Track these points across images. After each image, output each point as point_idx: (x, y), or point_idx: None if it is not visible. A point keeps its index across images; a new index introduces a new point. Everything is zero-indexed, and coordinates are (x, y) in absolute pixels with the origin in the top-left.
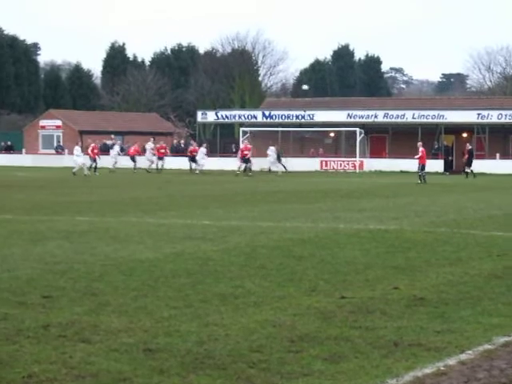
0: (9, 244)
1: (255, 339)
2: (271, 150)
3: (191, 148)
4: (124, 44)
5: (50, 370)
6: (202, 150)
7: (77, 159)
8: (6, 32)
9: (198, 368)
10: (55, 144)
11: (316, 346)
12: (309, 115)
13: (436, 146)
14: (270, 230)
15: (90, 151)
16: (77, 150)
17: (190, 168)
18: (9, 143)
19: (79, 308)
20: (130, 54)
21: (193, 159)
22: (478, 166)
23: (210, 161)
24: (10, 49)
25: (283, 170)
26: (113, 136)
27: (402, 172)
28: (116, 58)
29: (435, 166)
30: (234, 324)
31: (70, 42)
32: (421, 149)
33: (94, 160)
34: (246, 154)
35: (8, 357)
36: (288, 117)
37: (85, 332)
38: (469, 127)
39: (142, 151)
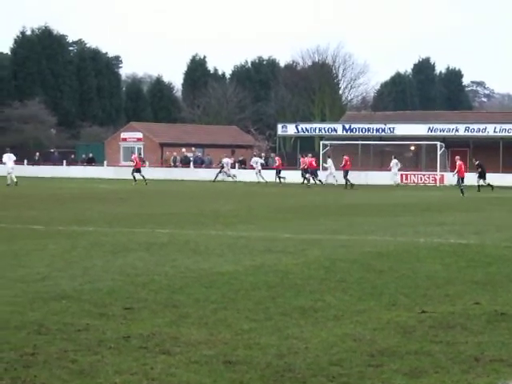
0: (90, 256)
1: (335, 353)
2: (254, 161)
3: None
4: (205, 57)
5: (131, 380)
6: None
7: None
8: (88, 45)
9: (278, 381)
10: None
11: (396, 361)
12: (389, 128)
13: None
14: (349, 243)
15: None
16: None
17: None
18: (90, 155)
19: (160, 320)
20: (210, 66)
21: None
22: None
23: (289, 173)
24: (92, 62)
25: (262, 180)
26: (193, 148)
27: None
28: (197, 70)
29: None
30: (313, 337)
31: (151, 55)
32: (458, 163)
33: (138, 170)
34: (314, 167)
35: (90, 367)
36: (368, 130)
37: (165, 344)
38: None
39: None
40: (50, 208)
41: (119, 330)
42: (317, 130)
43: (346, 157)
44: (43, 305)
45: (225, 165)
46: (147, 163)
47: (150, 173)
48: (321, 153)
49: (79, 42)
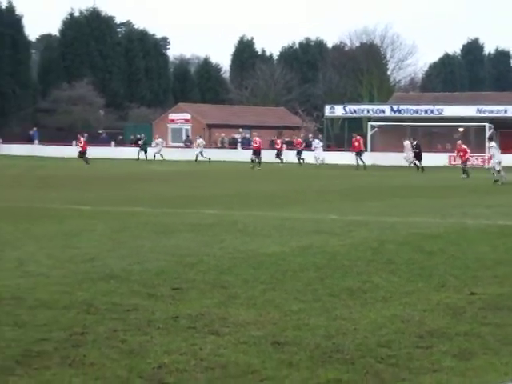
0: (139, 236)
1: (384, 334)
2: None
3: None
4: (252, 38)
5: (179, 360)
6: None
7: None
8: (136, 26)
9: (327, 362)
10: (184, 137)
11: (445, 342)
12: (437, 110)
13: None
14: (397, 224)
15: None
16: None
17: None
18: (138, 136)
19: (208, 300)
20: (258, 48)
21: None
22: None
23: (337, 155)
24: (140, 43)
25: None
26: (240, 130)
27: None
28: (244, 52)
29: None
30: (362, 318)
31: (198, 36)
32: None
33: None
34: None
35: (139, 347)
36: (416, 111)
37: (214, 324)
38: None
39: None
40: (99, 189)
41: (168, 311)
42: (365, 112)
43: (357, 137)
44: (92, 285)
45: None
46: (194, 144)
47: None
48: (368, 134)
49: (127, 24)
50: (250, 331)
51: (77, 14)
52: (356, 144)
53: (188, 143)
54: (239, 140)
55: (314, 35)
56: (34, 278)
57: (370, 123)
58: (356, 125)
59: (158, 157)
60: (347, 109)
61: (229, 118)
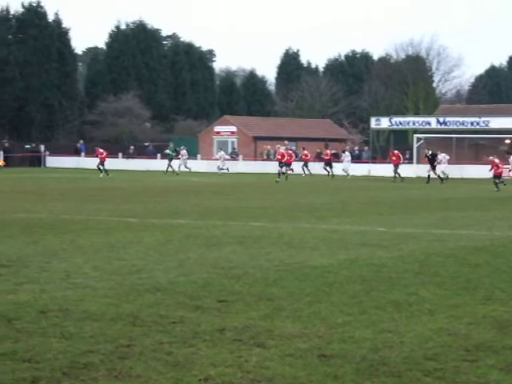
0: (184, 249)
1: (430, 347)
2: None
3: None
4: (298, 50)
5: (225, 373)
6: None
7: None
8: (182, 39)
9: (373, 375)
10: (230, 150)
11: (492, 356)
12: (484, 122)
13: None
14: (444, 237)
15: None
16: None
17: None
18: (177, 148)
19: (254, 312)
20: (303, 60)
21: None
22: None
23: (381, 167)
24: (186, 55)
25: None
26: (286, 142)
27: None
28: (290, 64)
29: None
30: (408, 331)
31: (244, 49)
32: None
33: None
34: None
35: (185, 359)
36: (462, 123)
37: (260, 336)
38: None
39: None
40: (145, 201)
41: (214, 323)
42: (410, 124)
43: (394, 151)
44: (138, 297)
45: (219, 157)
46: (240, 156)
47: (244, 166)
48: (414, 146)
49: (173, 36)
50: (296, 344)
51: (123, 26)
52: (393, 158)
53: (234, 155)
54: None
55: (360, 47)
56: (81, 289)
57: (415, 135)
58: (402, 137)
59: (182, 168)
60: (393, 121)
61: (274, 130)
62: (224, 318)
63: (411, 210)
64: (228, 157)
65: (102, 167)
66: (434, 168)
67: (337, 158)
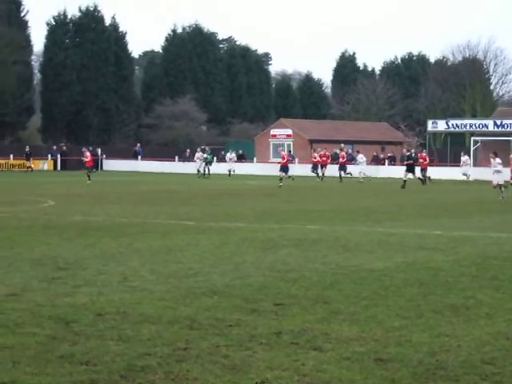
0: (241, 252)
1: (488, 351)
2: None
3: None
4: (354, 53)
5: (282, 376)
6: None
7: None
8: (238, 43)
9: (430, 379)
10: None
11: None
12: None
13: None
14: (501, 240)
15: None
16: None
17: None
18: (240, 152)
19: (311, 316)
20: (360, 63)
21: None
22: None
23: (440, 170)
24: (242, 59)
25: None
26: (342, 145)
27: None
28: (346, 67)
29: None
30: (466, 335)
31: (300, 52)
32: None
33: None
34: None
35: (241, 362)
36: None
37: (317, 340)
38: None
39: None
40: (201, 204)
41: (270, 326)
42: (467, 126)
43: (423, 154)
44: (195, 300)
45: (227, 159)
46: (296, 159)
47: (300, 169)
48: (471, 149)
49: (229, 40)
50: (353, 347)
51: (180, 30)
52: (421, 160)
53: (290, 159)
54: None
55: (417, 50)
56: (138, 292)
57: (473, 138)
58: (459, 140)
59: (201, 171)
60: (450, 124)
61: (330, 133)
62: (280, 321)
63: (468, 213)
64: (235, 158)
65: (88, 171)
66: (410, 171)
67: (393, 161)
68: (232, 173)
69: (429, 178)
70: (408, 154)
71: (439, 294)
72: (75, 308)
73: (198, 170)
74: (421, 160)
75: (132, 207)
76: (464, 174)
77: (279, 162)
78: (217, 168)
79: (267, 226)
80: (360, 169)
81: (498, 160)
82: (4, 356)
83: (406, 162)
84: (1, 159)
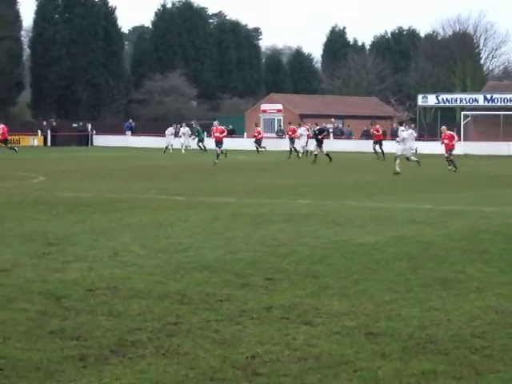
0: (231, 227)
1: (478, 325)
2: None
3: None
4: (344, 28)
5: (272, 351)
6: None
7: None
8: (228, 17)
9: (420, 353)
10: (276, 128)
11: None
12: None
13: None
14: (492, 215)
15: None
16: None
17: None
18: (230, 127)
19: (301, 291)
20: (350, 37)
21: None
22: None
23: (428, 145)
24: (232, 34)
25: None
26: (333, 119)
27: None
28: (336, 42)
29: None
30: (456, 309)
31: (290, 27)
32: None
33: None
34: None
35: (231, 337)
36: (510, 100)
37: (307, 314)
38: None
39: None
40: (192, 179)
41: (261, 301)
42: (458, 101)
43: (376, 126)
44: (185, 275)
45: (181, 134)
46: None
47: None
48: (462, 124)
49: (219, 15)
50: (343, 322)
51: (169, 5)
52: (376, 133)
53: (280, 133)
54: (331, 130)
55: (407, 24)
56: (128, 267)
57: (463, 113)
58: (449, 114)
59: (185, 148)
60: (440, 98)
61: (321, 108)
62: (271, 295)
63: (458, 188)
64: (189, 132)
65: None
66: (320, 145)
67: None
68: (188, 148)
69: (382, 152)
70: (317, 127)
71: (429, 268)
72: (65, 283)
73: (186, 146)
74: (375, 132)
75: (122, 183)
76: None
77: (254, 136)
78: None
79: (258, 201)
80: (302, 142)
81: (402, 128)
82: None
83: (315, 136)
84: None
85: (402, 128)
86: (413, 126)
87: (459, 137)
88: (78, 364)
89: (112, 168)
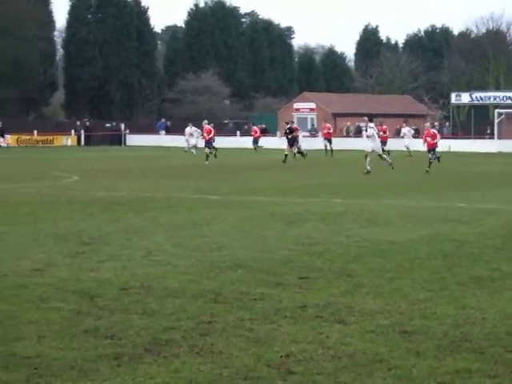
0: (266, 226)
1: None
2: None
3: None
4: (377, 26)
5: (307, 349)
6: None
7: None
8: (261, 16)
9: (455, 351)
10: (309, 126)
11: None
12: None
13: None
14: None
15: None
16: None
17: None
18: (263, 126)
19: (335, 289)
20: (383, 36)
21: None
22: None
23: (461, 143)
24: (265, 33)
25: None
26: (366, 118)
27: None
28: (369, 40)
29: None
30: (490, 307)
31: (323, 26)
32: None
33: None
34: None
35: (266, 336)
36: None
37: (341, 313)
38: None
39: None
40: (226, 178)
41: (295, 299)
42: (491, 99)
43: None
44: (219, 274)
45: (186, 134)
46: (320, 133)
47: (323, 143)
48: (495, 122)
49: (252, 14)
50: (377, 320)
51: (202, 4)
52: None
53: (313, 132)
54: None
55: (440, 22)
56: (162, 267)
57: (496, 110)
58: (483, 112)
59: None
60: (473, 96)
61: (354, 106)
62: (305, 294)
63: (490, 186)
64: (200, 133)
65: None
66: (291, 145)
67: (417, 134)
68: (195, 149)
69: (388, 152)
70: (288, 126)
71: (464, 266)
72: (99, 282)
73: (193, 147)
74: (381, 133)
75: (155, 182)
76: (406, 147)
77: (252, 135)
78: (242, 142)
79: (292, 200)
80: (407, 142)
81: (371, 124)
82: (29, 331)
83: (286, 135)
84: (25, 135)
85: (371, 124)
86: (447, 124)
87: (492, 134)
88: (112, 363)
89: (145, 167)
